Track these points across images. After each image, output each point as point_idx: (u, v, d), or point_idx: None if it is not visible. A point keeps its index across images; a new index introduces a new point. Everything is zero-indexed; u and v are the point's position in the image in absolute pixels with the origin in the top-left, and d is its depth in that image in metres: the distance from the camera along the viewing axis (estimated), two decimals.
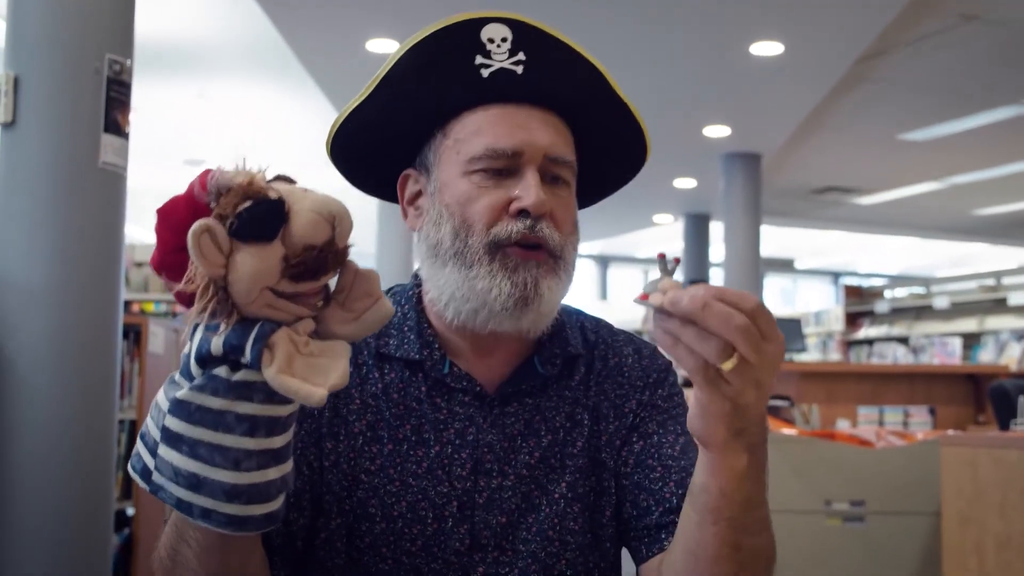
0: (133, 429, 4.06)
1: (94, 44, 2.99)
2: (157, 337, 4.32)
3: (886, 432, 5.40)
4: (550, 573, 1.20)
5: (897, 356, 11.36)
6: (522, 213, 1.16)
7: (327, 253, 0.85)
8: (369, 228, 9.58)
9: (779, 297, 21.17)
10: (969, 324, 11.67)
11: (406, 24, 6.10)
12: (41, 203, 2.92)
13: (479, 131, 1.19)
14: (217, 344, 0.84)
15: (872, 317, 13.08)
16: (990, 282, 11.88)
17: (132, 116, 3.11)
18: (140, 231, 11.47)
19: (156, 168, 10.55)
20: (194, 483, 0.86)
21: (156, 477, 0.88)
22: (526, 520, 1.21)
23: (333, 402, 1.21)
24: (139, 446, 0.91)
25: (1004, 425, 4.63)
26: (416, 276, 1.31)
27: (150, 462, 0.89)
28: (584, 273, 19.51)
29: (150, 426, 0.90)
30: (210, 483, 0.86)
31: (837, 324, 13.40)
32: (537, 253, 1.18)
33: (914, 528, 5.30)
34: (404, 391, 1.23)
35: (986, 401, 5.70)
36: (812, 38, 6.30)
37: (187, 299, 0.86)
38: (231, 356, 0.85)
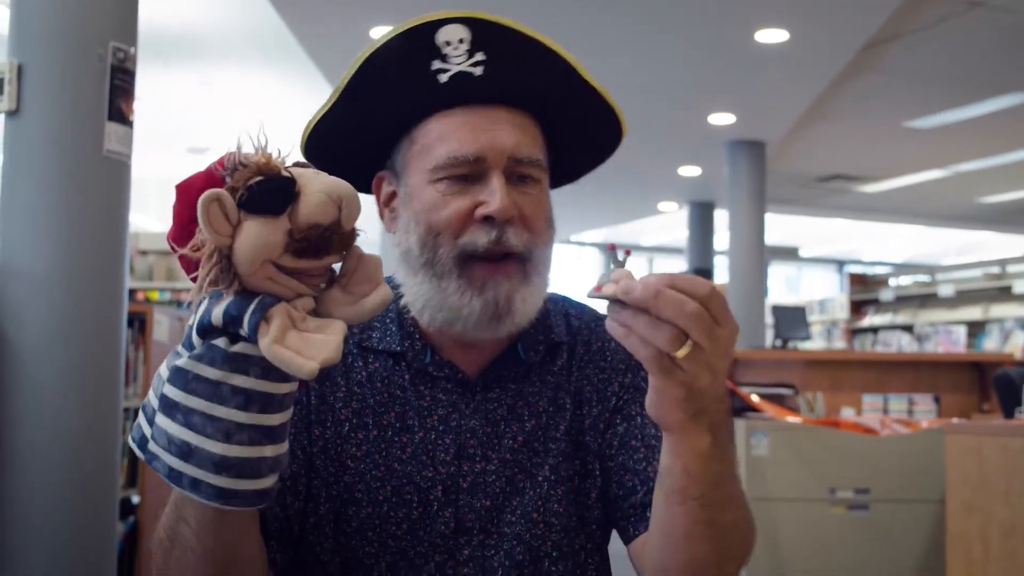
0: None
1: (98, 32, 2.98)
2: (162, 325, 4.32)
3: (891, 420, 5.40)
4: (536, 555, 1.21)
5: (902, 344, 11.36)
6: (488, 219, 1.16)
7: (332, 234, 0.87)
8: (374, 214, 9.58)
9: (784, 285, 21.16)
10: (974, 312, 11.67)
11: (409, 10, 6.04)
12: (45, 191, 2.92)
13: (442, 137, 1.19)
14: (217, 314, 0.86)
15: (877, 305, 13.07)
16: (995, 270, 11.87)
17: (136, 104, 3.11)
18: (144, 219, 11.47)
19: (160, 156, 10.56)
20: (185, 452, 0.88)
21: (151, 446, 0.90)
22: (511, 503, 1.22)
23: (320, 389, 1.23)
24: (140, 417, 0.94)
25: (1008, 413, 4.63)
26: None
27: (148, 431, 0.91)
28: (589, 261, 19.51)
29: (151, 396, 0.92)
30: (200, 452, 0.87)
31: (842, 312, 13.40)
32: (505, 265, 1.18)
33: (918, 516, 5.30)
34: (388, 380, 1.25)
35: (990, 389, 5.69)
36: (817, 25, 6.28)
37: (191, 265, 0.88)
38: (230, 328, 0.86)
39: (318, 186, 0.87)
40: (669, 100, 8.06)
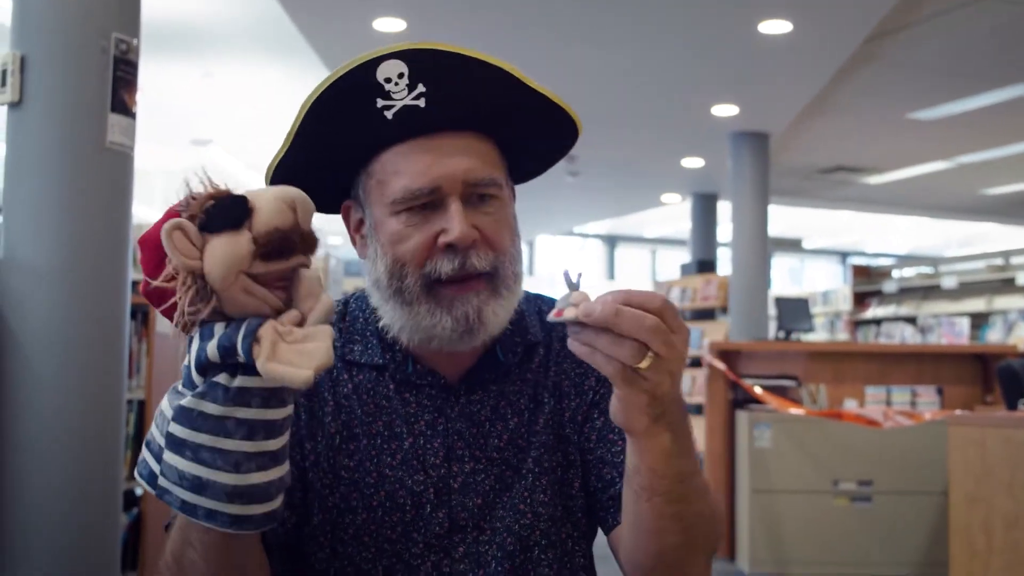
0: (142, 409, 4.07)
1: (101, 23, 2.98)
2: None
3: (894, 412, 5.39)
4: (525, 544, 1.26)
5: (905, 336, 11.35)
6: (451, 246, 1.18)
7: (293, 234, 0.92)
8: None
9: (787, 277, 21.15)
10: (977, 304, 11.64)
11: (412, 3, 6.08)
12: (48, 183, 2.92)
13: (396, 172, 1.21)
14: (212, 349, 0.91)
15: (880, 297, 13.05)
16: (998, 262, 11.85)
17: (139, 96, 3.11)
18: (148, 211, 11.47)
19: (163, 148, 10.56)
20: (198, 486, 0.92)
21: (162, 481, 0.95)
22: (501, 499, 1.27)
23: (308, 405, 1.27)
24: (145, 453, 0.97)
25: (1012, 405, 4.63)
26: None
27: (156, 467, 0.95)
28: (592, 253, 19.50)
29: (155, 433, 0.96)
30: (213, 485, 0.92)
31: (845, 304, 13.37)
32: (473, 283, 1.20)
33: (922, 508, 5.31)
34: (373, 391, 1.29)
35: (994, 381, 5.69)
36: (821, 16, 6.27)
37: (163, 297, 0.92)
38: (227, 360, 0.91)
39: (269, 195, 0.92)
40: (672, 92, 8.05)
